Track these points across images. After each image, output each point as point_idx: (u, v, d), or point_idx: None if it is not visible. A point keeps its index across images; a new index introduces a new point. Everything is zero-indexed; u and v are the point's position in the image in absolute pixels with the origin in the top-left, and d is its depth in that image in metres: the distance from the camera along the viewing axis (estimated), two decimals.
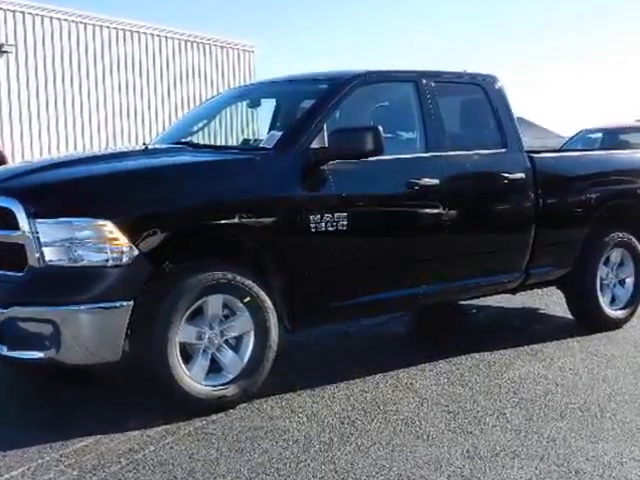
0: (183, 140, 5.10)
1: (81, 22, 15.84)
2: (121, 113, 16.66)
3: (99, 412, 4.05)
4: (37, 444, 3.60)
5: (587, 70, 76.21)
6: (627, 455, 3.45)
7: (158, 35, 17.41)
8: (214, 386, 4.01)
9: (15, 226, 3.75)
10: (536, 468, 3.32)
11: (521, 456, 3.44)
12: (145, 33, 17.14)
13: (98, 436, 3.69)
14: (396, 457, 3.44)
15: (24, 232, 3.72)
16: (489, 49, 78.15)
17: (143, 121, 17.14)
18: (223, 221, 4.02)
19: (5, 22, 14.52)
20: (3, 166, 6.11)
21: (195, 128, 5.47)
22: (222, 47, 18.86)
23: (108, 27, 16.35)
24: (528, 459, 3.41)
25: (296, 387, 4.39)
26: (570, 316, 5.95)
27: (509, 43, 78.21)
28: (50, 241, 3.67)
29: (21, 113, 14.76)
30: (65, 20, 15.55)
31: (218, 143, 5.71)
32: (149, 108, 17.24)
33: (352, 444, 3.59)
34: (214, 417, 3.94)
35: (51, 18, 15.26)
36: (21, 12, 14.74)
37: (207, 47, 18.49)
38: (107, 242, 3.67)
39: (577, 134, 13.12)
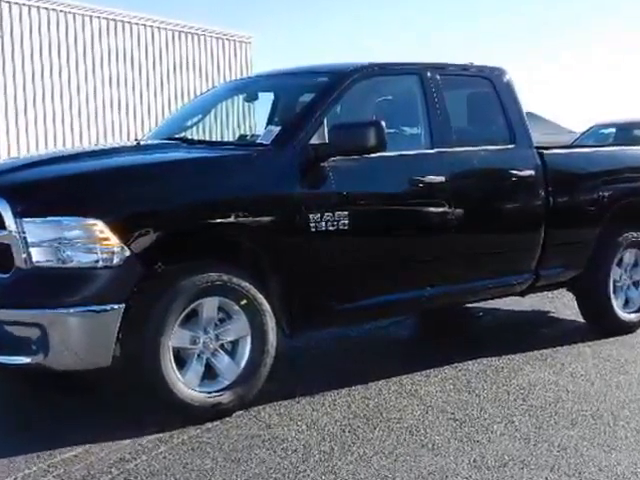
0: (177, 135, 5.04)
1: (70, 12, 15.67)
2: (112, 107, 16.52)
3: (89, 420, 3.98)
4: (24, 453, 3.53)
5: (585, 69, 76.93)
6: None
7: (151, 26, 17.26)
8: (209, 393, 3.93)
9: (1, 225, 3.67)
10: (546, 478, 3.26)
11: (530, 466, 3.38)
12: (137, 24, 16.99)
13: (88, 445, 3.62)
14: (399, 467, 3.38)
15: (10, 232, 3.64)
16: (486, 48, 78.62)
17: (135, 115, 17.02)
18: (218, 220, 3.94)
19: None
20: None
21: (189, 123, 5.41)
22: (217, 38, 18.72)
23: (98, 17, 16.19)
24: (538, 469, 3.34)
25: (295, 394, 4.32)
26: (581, 319, 5.87)
27: (507, 42, 78.91)
28: (37, 241, 3.60)
29: (7, 107, 14.58)
30: (53, 10, 15.37)
31: (213, 139, 5.61)
32: (141, 102, 17.12)
33: (354, 453, 3.53)
34: (209, 425, 3.87)
35: (38, 8, 15.09)
36: (7, 2, 14.56)
37: (202, 38, 18.34)
38: (97, 242, 3.59)
39: (589, 129, 13.16)
